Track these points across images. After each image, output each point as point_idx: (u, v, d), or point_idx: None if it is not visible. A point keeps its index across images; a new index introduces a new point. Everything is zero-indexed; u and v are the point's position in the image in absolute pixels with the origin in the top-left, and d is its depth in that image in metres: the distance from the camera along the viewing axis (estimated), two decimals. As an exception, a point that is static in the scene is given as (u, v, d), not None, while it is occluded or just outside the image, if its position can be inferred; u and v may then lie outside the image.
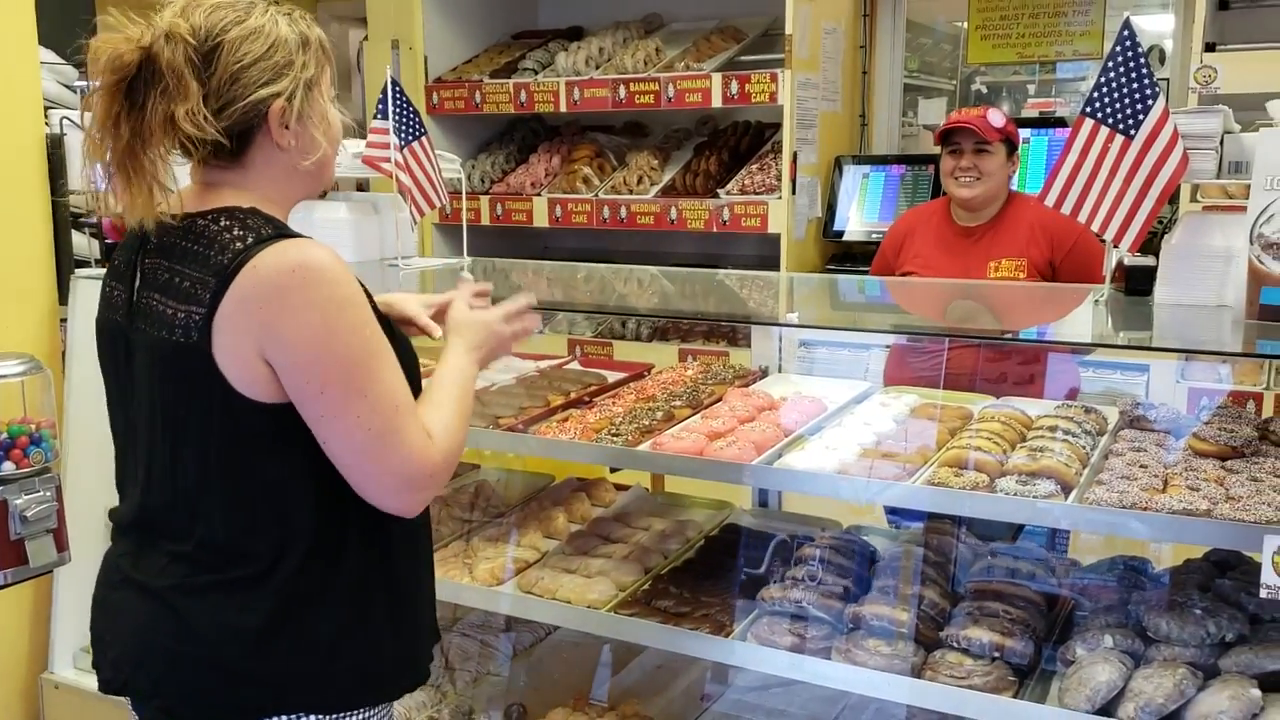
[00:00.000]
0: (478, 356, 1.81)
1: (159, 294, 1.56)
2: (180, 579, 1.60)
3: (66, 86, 3.92)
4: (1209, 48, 3.77)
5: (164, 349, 1.54)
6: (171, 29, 1.52)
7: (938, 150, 3.42)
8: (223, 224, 1.54)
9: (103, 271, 3.31)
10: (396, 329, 1.70)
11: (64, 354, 3.27)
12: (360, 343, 1.52)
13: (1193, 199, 3.64)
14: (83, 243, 3.69)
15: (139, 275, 1.61)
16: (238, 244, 1.51)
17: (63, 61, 3.88)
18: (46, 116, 3.36)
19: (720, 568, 2.64)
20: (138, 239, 1.63)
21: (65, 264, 3.34)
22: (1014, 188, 3.46)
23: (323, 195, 4.02)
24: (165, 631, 1.60)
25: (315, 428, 1.53)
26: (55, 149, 3.29)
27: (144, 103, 1.52)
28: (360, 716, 1.66)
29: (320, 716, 1.62)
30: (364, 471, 1.55)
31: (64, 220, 3.35)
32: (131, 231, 1.64)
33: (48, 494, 2.41)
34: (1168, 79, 4.49)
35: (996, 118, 3.30)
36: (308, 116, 1.61)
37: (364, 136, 3.11)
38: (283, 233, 1.55)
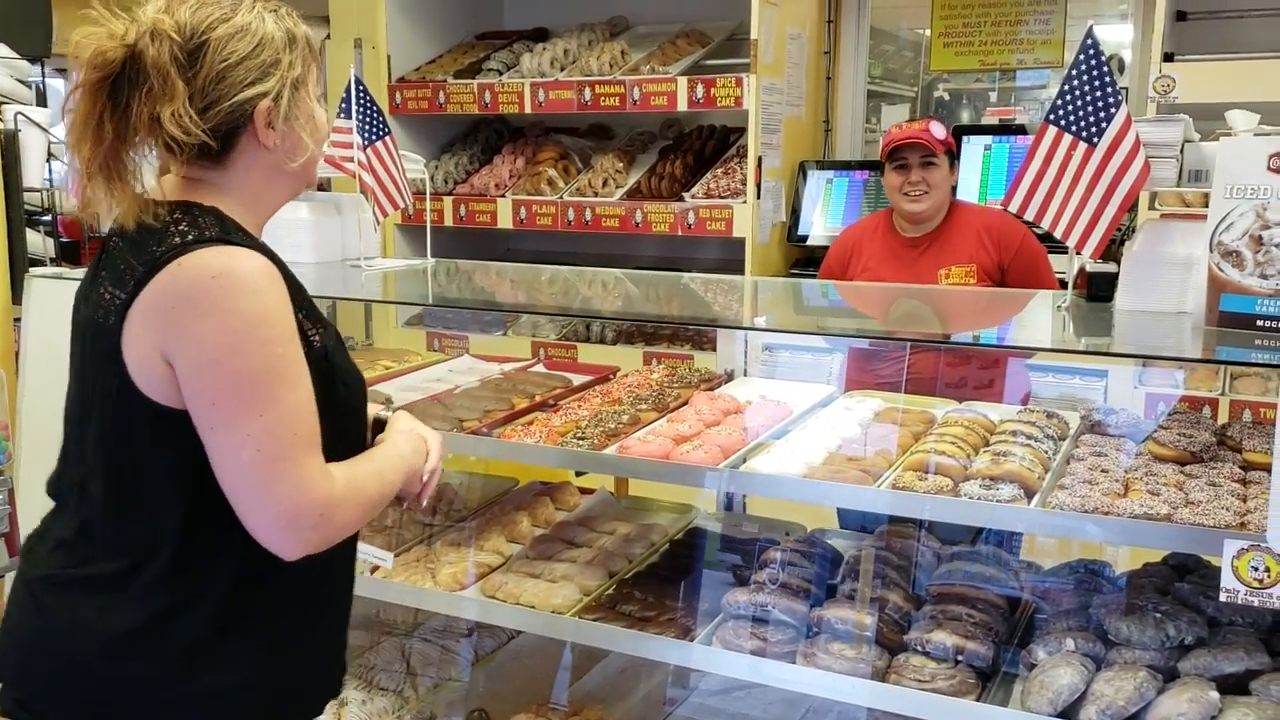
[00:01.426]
0: (411, 465, 1.74)
1: (105, 274, 1.55)
2: (49, 570, 1.61)
3: (21, 81, 3.85)
4: (1167, 58, 3.82)
5: (91, 329, 1.55)
6: (156, 25, 1.48)
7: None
8: (175, 217, 1.52)
9: (58, 270, 3.27)
10: (335, 363, 1.64)
11: (18, 355, 3.20)
12: (265, 361, 1.47)
13: (1151, 206, 3.69)
14: (37, 241, 3.62)
15: (103, 257, 1.60)
16: (176, 239, 1.49)
17: (17, 56, 3.81)
18: (0, 112, 3.30)
19: (685, 572, 2.63)
20: (117, 225, 1.61)
21: (19, 263, 3.28)
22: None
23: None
24: (26, 624, 1.62)
25: (205, 441, 1.49)
26: (9, 145, 3.22)
27: (128, 103, 1.49)
28: None
29: None
30: (246, 497, 1.49)
31: (18, 218, 3.28)
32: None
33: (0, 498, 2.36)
34: (1127, 88, 4.55)
35: (938, 129, 3.34)
36: (294, 116, 1.58)
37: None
38: (227, 237, 1.51)
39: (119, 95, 1.49)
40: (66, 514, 1.64)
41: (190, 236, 1.49)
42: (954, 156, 3.39)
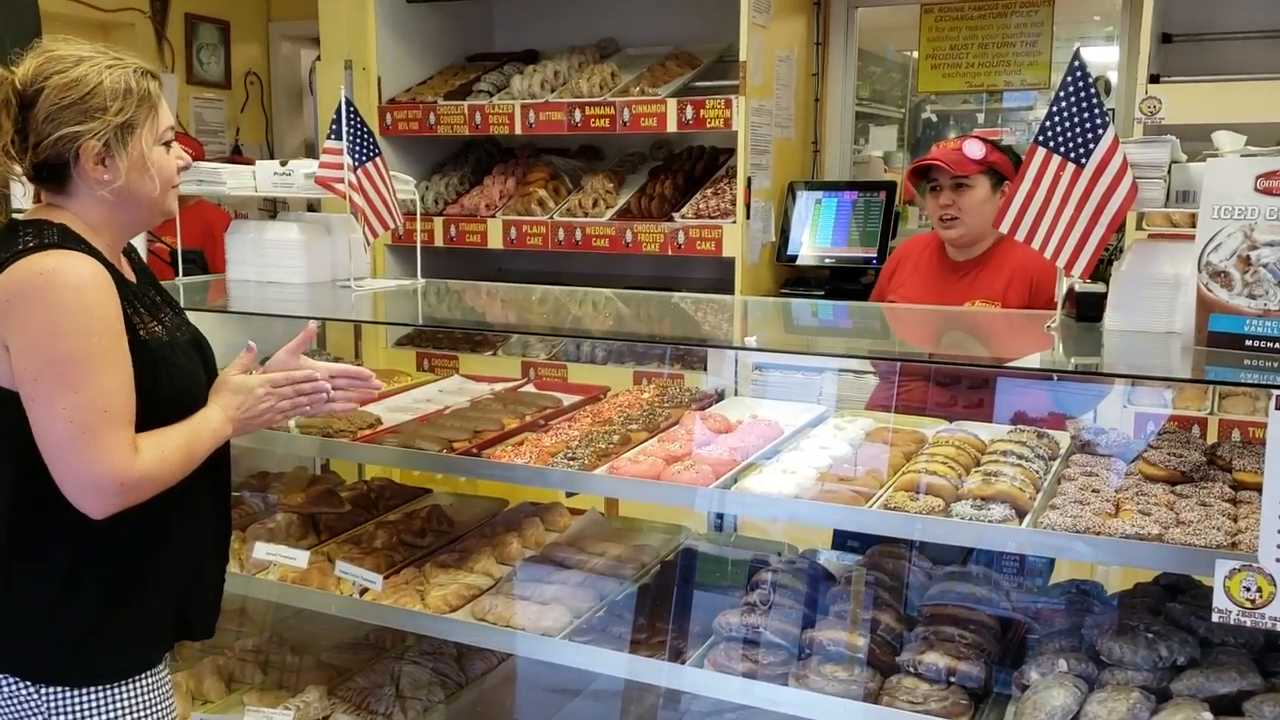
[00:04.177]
0: (230, 417, 1.97)
1: None
2: None
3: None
4: (1153, 79, 3.84)
5: None
6: (5, 77, 1.78)
7: (887, 177, 3.40)
8: (28, 231, 1.81)
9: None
10: (160, 357, 1.86)
11: None
12: (83, 346, 1.73)
13: (1139, 227, 3.72)
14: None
15: None
16: (19, 247, 1.77)
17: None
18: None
19: (676, 593, 2.62)
20: None
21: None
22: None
23: (275, 212, 3.96)
24: None
25: (28, 412, 1.74)
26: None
27: None
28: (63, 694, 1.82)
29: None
30: (59, 464, 1.74)
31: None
32: None
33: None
34: (1113, 109, 4.58)
35: (974, 149, 3.08)
36: (121, 156, 1.83)
37: (316, 157, 3.08)
38: (63, 244, 1.78)
39: None
40: None
41: (31, 244, 1.77)
42: (1000, 176, 3.10)
